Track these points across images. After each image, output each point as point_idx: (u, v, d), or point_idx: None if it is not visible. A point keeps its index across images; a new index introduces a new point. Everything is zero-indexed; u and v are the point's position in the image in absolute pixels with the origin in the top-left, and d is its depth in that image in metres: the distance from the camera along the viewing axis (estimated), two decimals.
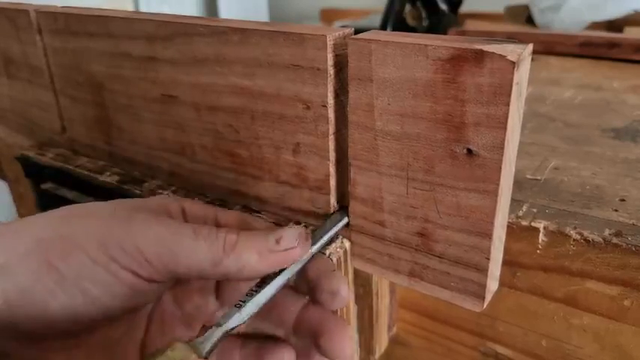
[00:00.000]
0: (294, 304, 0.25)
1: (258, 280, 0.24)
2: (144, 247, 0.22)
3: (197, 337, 0.21)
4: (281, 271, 0.24)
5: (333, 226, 0.28)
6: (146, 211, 0.25)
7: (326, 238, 0.27)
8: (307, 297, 0.26)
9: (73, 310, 0.22)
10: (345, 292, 0.24)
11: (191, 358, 0.20)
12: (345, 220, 0.28)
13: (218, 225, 0.27)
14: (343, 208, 0.29)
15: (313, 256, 0.25)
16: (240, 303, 0.23)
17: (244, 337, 0.26)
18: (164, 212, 0.26)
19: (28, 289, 0.21)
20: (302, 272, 0.25)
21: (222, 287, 0.27)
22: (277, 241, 0.23)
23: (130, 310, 0.24)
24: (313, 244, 0.26)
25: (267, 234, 0.24)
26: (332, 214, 0.29)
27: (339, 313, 0.29)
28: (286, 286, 0.25)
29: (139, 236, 0.22)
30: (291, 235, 0.24)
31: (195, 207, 0.28)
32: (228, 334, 0.22)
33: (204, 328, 0.22)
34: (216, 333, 0.22)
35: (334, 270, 0.25)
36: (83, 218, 0.24)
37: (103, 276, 0.22)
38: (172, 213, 0.26)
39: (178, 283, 0.27)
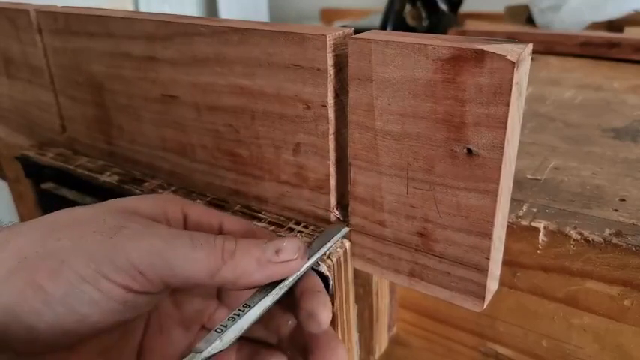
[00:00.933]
0: (291, 319, 0.25)
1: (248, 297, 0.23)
2: (137, 259, 0.21)
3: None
4: (268, 290, 0.23)
5: (329, 240, 0.26)
6: (139, 217, 0.24)
7: (319, 254, 0.25)
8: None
9: (60, 328, 0.21)
10: (323, 317, 0.22)
11: None
12: (344, 231, 0.27)
13: (221, 233, 0.26)
14: (342, 217, 0.29)
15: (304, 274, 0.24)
16: (222, 328, 0.21)
17: (241, 340, 0.26)
18: (161, 217, 0.25)
19: (13, 308, 0.21)
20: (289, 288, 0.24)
21: (224, 289, 0.27)
22: (276, 252, 0.22)
23: (121, 323, 0.23)
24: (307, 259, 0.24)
25: (267, 243, 0.23)
26: (329, 226, 0.28)
27: (340, 321, 0.29)
28: (281, 305, 0.24)
29: (131, 248, 0.21)
30: (290, 246, 0.23)
31: (200, 212, 0.26)
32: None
33: (183, 354, 0.21)
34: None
35: (320, 291, 0.23)
36: (70, 230, 0.22)
37: (93, 293, 0.21)
38: (170, 219, 0.25)
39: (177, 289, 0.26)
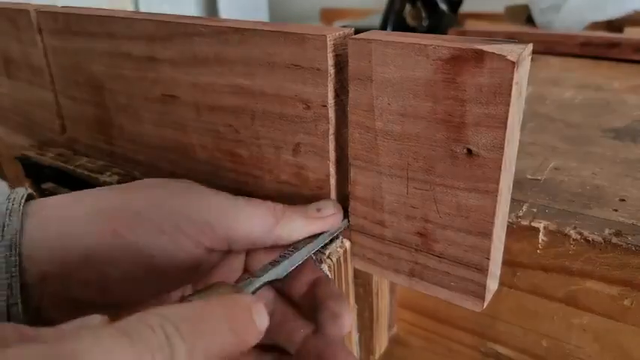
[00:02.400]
0: (304, 327, 0.25)
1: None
2: (207, 214, 0.23)
3: (236, 282, 0.23)
4: (312, 239, 0.26)
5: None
6: (200, 185, 0.26)
7: (327, 237, 0.27)
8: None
9: (130, 279, 0.23)
10: (347, 320, 0.24)
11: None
12: (344, 223, 0.29)
13: None
14: (344, 210, 0.29)
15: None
16: (275, 262, 0.24)
17: (259, 349, 0.26)
18: None
19: (90, 254, 0.22)
20: (310, 293, 0.26)
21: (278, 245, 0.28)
22: (318, 210, 0.26)
23: (183, 282, 0.25)
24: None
25: (308, 205, 0.27)
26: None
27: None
28: (295, 312, 0.26)
29: (202, 205, 0.24)
30: (328, 204, 0.27)
31: None
32: (264, 286, 0.23)
33: (241, 278, 0.24)
34: (255, 282, 0.23)
35: (342, 295, 0.25)
36: (143, 190, 0.25)
37: (168, 245, 0.23)
38: None
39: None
